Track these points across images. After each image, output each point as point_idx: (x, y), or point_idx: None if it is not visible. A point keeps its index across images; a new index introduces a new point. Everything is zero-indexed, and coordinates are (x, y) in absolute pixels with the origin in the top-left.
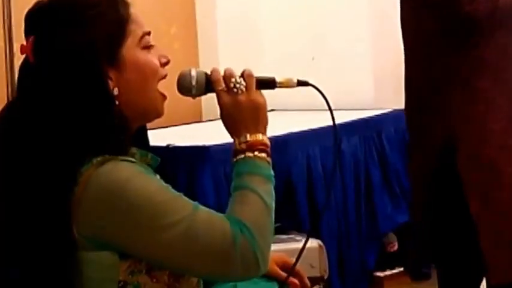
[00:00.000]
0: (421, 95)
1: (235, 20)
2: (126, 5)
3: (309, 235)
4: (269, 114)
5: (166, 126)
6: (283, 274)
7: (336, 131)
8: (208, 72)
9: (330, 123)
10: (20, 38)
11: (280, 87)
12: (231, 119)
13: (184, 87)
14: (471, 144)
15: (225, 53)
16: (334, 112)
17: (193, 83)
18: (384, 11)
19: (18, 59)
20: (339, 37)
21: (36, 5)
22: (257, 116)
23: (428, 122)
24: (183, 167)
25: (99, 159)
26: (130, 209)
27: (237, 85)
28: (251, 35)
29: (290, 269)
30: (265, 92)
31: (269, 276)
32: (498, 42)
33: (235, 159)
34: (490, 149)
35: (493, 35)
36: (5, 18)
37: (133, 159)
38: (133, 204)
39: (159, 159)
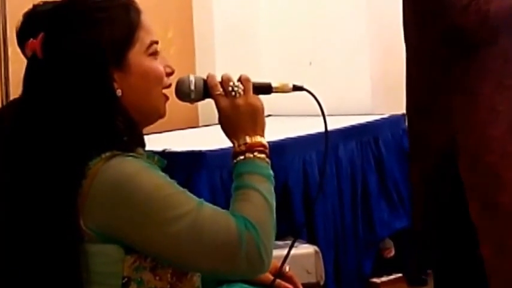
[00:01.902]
0: (422, 100)
1: (232, 25)
2: (138, 12)
3: (296, 237)
4: (266, 119)
5: (163, 131)
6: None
7: (327, 135)
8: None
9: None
10: (14, 42)
11: (276, 92)
12: (229, 122)
13: (183, 92)
14: (472, 150)
15: (222, 58)
16: (331, 117)
17: (192, 87)
18: (381, 16)
19: (13, 62)
20: (337, 42)
21: (45, 3)
22: (255, 119)
23: (429, 127)
24: (179, 172)
25: (108, 154)
26: (137, 202)
27: (235, 88)
28: (248, 39)
29: (278, 270)
30: (263, 98)
31: (259, 283)
32: (500, 49)
33: (235, 161)
34: (491, 155)
35: (495, 41)
36: (0, 21)
37: (139, 156)
38: (139, 197)
39: (165, 161)
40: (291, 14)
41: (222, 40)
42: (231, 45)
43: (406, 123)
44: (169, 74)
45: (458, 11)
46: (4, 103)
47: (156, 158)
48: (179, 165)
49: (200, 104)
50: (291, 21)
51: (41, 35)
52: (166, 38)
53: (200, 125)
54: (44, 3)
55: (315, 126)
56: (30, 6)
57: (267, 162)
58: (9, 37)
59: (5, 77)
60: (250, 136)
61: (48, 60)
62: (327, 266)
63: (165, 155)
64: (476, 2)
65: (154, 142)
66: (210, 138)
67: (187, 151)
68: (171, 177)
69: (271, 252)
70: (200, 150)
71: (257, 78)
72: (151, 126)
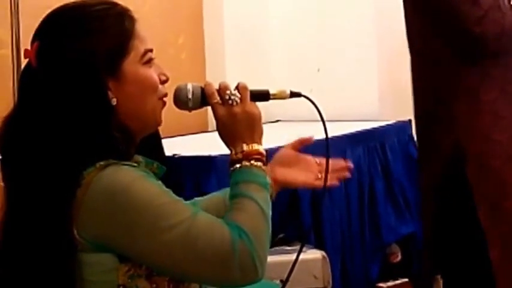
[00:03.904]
0: (428, 107)
1: (242, 31)
2: (132, 21)
3: (303, 242)
4: (275, 124)
5: (173, 136)
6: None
7: (327, 142)
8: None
9: (335, 134)
10: (27, 47)
11: (273, 98)
12: (226, 130)
13: (181, 100)
14: (478, 155)
15: (232, 64)
16: (338, 123)
17: (189, 96)
18: (389, 23)
19: None
20: (345, 49)
21: (49, 12)
22: (252, 127)
23: (436, 133)
24: (189, 177)
25: (102, 163)
26: (130, 211)
27: (232, 97)
28: (258, 45)
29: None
30: (272, 103)
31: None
32: (505, 58)
33: (232, 169)
34: (496, 160)
35: (501, 51)
36: (13, 26)
37: (135, 164)
38: (133, 206)
39: (165, 168)
40: (300, 21)
41: (232, 46)
42: (240, 51)
43: (414, 131)
44: (164, 82)
45: (473, 21)
46: (16, 102)
47: (155, 164)
48: (189, 169)
49: (210, 109)
50: (300, 28)
51: (35, 44)
52: (177, 43)
53: (210, 129)
54: (55, 8)
55: (324, 132)
56: (43, 12)
57: (264, 170)
58: (22, 42)
59: (17, 82)
60: (248, 144)
61: (42, 69)
62: (333, 271)
63: (175, 159)
64: (492, 13)
65: (165, 147)
66: (220, 142)
67: (197, 156)
68: (181, 181)
69: (265, 261)
70: (210, 155)
71: (267, 83)
72: (162, 130)
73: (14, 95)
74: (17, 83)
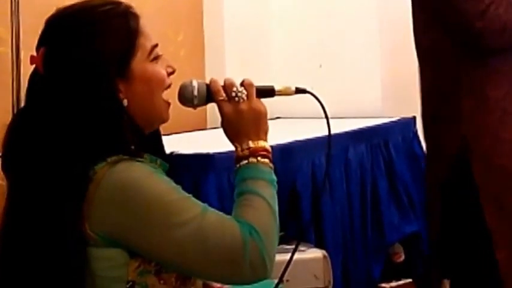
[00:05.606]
0: (435, 104)
1: (242, 28)
2: (137, 18)
3: (299, 240)
4: (275, 121)
5: (171, 134)
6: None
7: (329, 139)
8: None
9: (337, 131)
10: (26, 46)
11: (279, 95)
12: (233, 127)
13: (186, 97)
14: (484, 153)
15: (232, 61)
16: (340, 120)
17: (195, 93)
18: (392, 20)
19: (25, 66)
20: (347, 45)
21: (51, 16)
22: (258, 123)
23: (442, 130)
24: (187, 174)
25: (113, 158)
26: (141, 207)
27: (239, 94)
28: (258, 42)
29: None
30: (272, 100)
31: None
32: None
33: (238, 166)
34: (503, 158)
35: (508, 47)
36: (13, 25)
37: (144, 160)
38: (144, 202)
39: (167, 165)
40: (301, 17)
41: (232, 43)
42: (241, 48)
43: (422, 129)
44: (170, 74)
45: (475, 16)
46: (15, 101)
47: (158, 161)
48: (187, 167)
49: (208, 106)
50: (302, 24)
51: (41, 51)
52: (177, 40)
53: (208, 127)
54: (57, 11)
55: (325, 129)
56: (43, 10)
57: (270, 167)
58: (22, 40)
59: (17, 81)
60: (254, 141)
61: (51, 76)
62: (335, 271)
63: (173, 157)
64: (494, 8)
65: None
66: (218, 140)
67: (196, 153)
68: (179, 179)
69: (274, 259)
70: (208, 153)
71: (267, 80)
72: (160, 128)
73: (13, 92)
74: (16, 81)
